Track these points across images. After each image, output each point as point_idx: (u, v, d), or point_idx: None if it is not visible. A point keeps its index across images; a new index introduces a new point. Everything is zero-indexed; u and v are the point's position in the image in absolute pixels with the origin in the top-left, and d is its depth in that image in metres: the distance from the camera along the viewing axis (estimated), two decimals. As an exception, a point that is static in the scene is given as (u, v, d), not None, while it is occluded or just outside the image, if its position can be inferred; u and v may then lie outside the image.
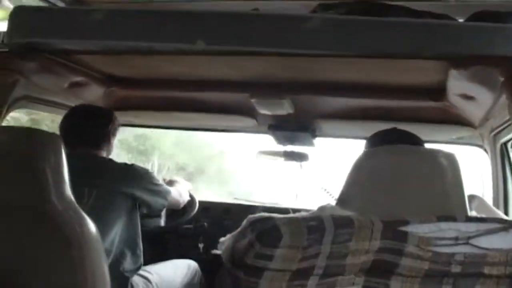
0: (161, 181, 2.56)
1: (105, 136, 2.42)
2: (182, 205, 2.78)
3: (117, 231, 2.26)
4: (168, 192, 2.52)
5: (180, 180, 2.95)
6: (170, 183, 2.82)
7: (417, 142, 1.82)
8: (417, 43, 1.31)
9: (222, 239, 1.30)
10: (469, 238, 1.12)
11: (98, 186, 2.21)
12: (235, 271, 1.15)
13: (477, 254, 1.12)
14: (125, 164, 2.42)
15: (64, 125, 2.39)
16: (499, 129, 2.28)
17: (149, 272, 2.48)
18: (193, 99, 2.56)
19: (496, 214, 2.07)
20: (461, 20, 1.66)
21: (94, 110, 2.43)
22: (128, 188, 2.31)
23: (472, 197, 2.11)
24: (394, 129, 1.89)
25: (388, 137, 1.82)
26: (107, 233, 2.17)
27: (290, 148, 3.05)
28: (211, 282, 2.89)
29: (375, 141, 1.86)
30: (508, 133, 2.26)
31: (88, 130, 2.37)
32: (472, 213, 2.00)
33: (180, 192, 2.73)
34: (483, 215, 1.99)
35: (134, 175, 2.37)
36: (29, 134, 1.45)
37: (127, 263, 2.30)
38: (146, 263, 2.53)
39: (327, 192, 3.21)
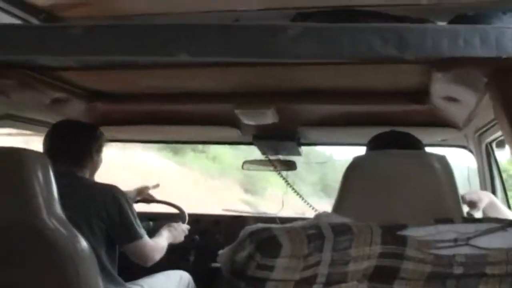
0: (138, 222, 2.33)
1: (87, 153, 2.35)
2: (148, 264, 2.42)
3: (100, 254, 2.18)
4: (137, 237, 2.31)
5: (175, 228, 2.71)
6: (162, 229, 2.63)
7: (416, 144, 1.82)
8: (398, 47, 1.31)
9: (220, 251, 1.29)
10: (469, 239, 1.13)
11: (74, 208, 2.06)
12: (237, 283, 1.14)
13: (478, 254, 1.12)
14: (105, 186, 2.33)
15: (46, 142, 2.33)
16: (484, 129, 2.30)
17: (140, 286, 2.44)
18: (177, 112, 2.54)
19: (504, 213, 2.09)
20: (440, 23, 1.67)
21: (76, 126, 2.37)
22: (102, 210, 2.22)
23: (484, 195, 2.13)
24: (393, 132, 1.88)
25: (387, 140, 1.81)
26: None
27: (276, 157, 3.05)
28: None
29: (374, 145, 1.86)
30: (493, 133, 2.27)
31: (71, 146, 2.31)
32: (480, 212, 2.02)
33: (154, 248, 2.42)
34: (492, 214, 2.02)
35: (110, 198, 2.26)
36: (18, 153, 1.44)
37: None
38: (138, 277, 2.50)
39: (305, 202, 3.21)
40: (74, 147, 2.32)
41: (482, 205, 2.11)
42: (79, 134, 2.36)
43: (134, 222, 2.30)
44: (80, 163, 2.34)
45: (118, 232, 2.28)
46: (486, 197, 2.15)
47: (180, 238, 2.74)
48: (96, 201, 2.23)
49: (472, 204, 2.12)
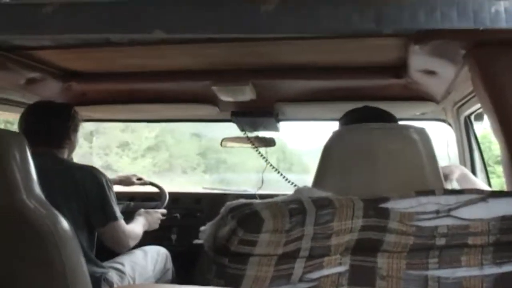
0: (116, 205, 2.32)
1: (65, 133, 2.32)
2: (122, 250, 2.41)
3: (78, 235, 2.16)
4: (113, 218, 2.29)
5: (151, 215, 2.70)
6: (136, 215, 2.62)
7: (389, 119, 1.82)
8: (376, 21, 1.30)
9: (202, 228, 1.28)
10: (450, 210, 1.13)
11: (53, 189, 2.03)
12: (220, 259, 1.13)
13: (460, 225, 1.12)
14: (84, 167, 2.32)
15: (22, 124, 2.29)
16: (462, 102, 2.30)
17: (122, 264, 2.43)
18: (154, 90, 2.52)
19: (477, 184, 2.09)
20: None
21: (52, 106, 2.34)
22: (81, 191, 2.21)
23: (455, 167, 2.14)
24: (366, 107, 1.88)
25: (360, 115, 1.80)
26: None
27: (255, 133, 3.04)
28: (188, 272, 2.88)
29: (347, 120, 1.85)
30: (471, 106, 2.28)
31: (48, 127, 2.28)
32: (454, 184, 2.02)
33: (129, 234, 2.37)
34: (465, 186, 2.03)
35: (89, 179, 2.25)
36: None
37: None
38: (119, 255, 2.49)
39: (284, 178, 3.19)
40: (51, 128, 2.29)
41: (454, 177, 2.12)
42: (55, 115, 2.32)
43: (112, 204, 2.29)
44: (58, 144, 2.31)
45: (95, 213, 2.26)
46: (457, 169, 2.16)
47: (155, 225, 2.72)
48: (76, 182, 2.21)
49: (444, 177, 2.13)
